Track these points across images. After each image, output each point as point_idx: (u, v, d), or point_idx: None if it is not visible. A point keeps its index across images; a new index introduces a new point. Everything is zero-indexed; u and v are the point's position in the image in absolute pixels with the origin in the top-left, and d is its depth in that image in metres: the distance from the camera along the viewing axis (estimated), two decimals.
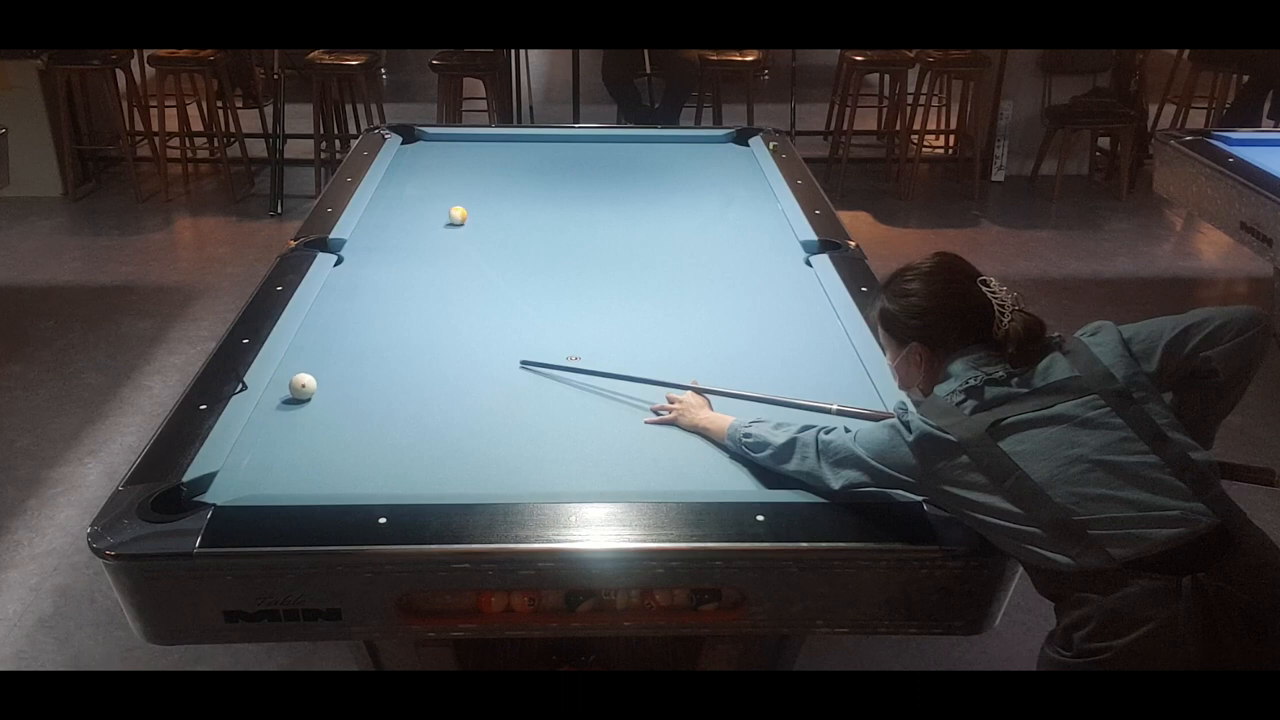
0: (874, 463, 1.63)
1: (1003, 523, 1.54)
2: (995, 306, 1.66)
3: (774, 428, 1.81)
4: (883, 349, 1.87)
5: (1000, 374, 1.61)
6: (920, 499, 1.68)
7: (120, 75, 5.75)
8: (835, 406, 1.97)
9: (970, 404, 1.60)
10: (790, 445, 1.74)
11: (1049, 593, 1.59)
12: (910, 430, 1.60)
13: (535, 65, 6.60)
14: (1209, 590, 1.46)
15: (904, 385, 1.82)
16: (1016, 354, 1.63)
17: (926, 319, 1.70)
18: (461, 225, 3.02)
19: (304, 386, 2.03)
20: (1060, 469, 1.52)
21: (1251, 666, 1.48)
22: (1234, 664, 1.48)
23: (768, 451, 1.77)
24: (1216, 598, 1.46)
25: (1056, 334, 1.68)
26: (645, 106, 6.11)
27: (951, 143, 6.66)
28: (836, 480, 1.68)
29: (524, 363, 2.19)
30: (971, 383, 1.61)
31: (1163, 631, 1.47)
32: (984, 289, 1.68)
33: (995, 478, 1.54)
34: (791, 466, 1.73)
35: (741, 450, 1.83)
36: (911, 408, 1.68)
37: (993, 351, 1.65)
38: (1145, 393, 1.59)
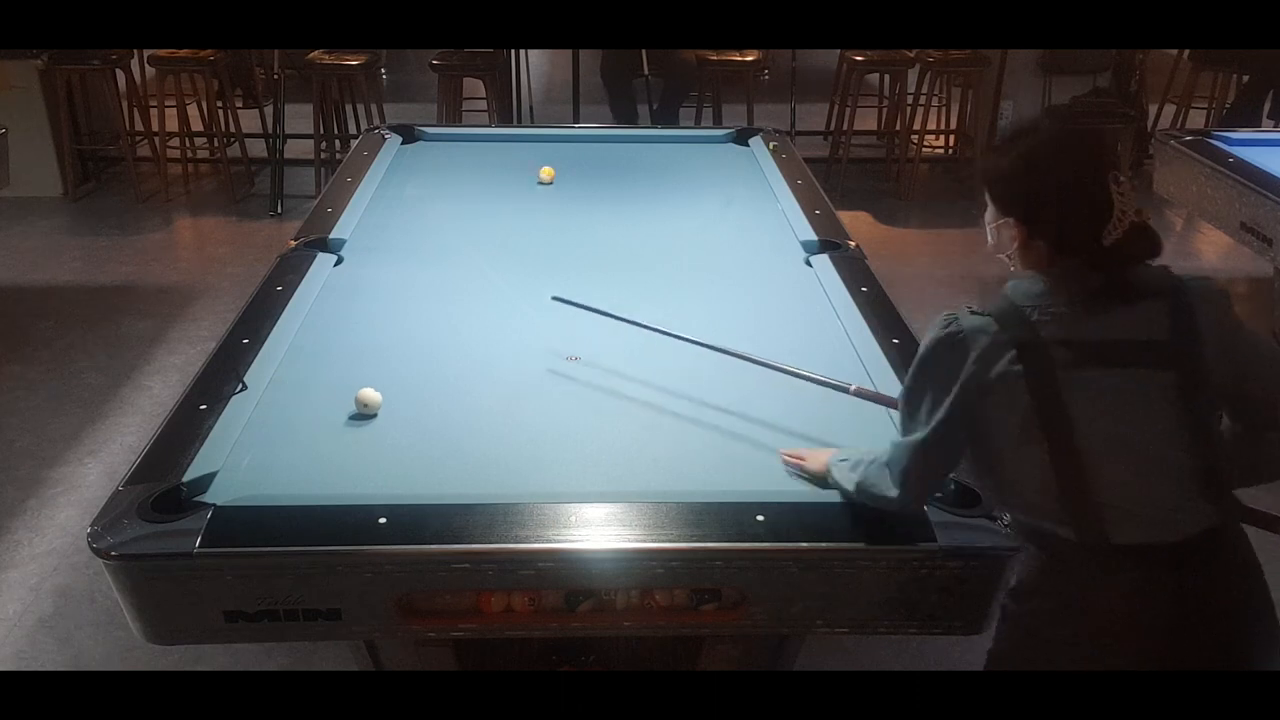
0: (910, 387, 1.53)
1: (1021, 480, 1.52)
2: (1115, 211, 1.44)
3: (851, 468, 1.64)
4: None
5: (1098, 306, 1.45)
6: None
7: (120, 75, 5.74)
8: (854, 387, 1.96)
9: (1050, 314, 1.45)
10: (859, 488, 1.61)
11: (1027, 538, 1.56)
12: (960, 325, 1.46)
13: (535, 65, 6.59)
14: (1189, 588, 1.46)
15: (995, 251, 1.60)
16: (1120, 273, 1.46)
17: (1030, 198, 1.50)
18: (550, 184, 3.37)
19: (369, 403, 1.98)
20: (1105, 444, 1.46)
21: (1215, 666, 1.49)
22: (1200, 662, 1.48)
23: (848, 497, 1.66)
24: (1195, 598, 1.46)
25: (1175, 275, 1.50)
26: (635, 109, 6.12)
27: (951, 143, 6.66)
28: (894, 486, 1.54)
29: (555, 297, 2.32)
30: (1058, 308, 1.46)
31: (1133, 620, 1.47)
32: (1112, 186, 1.45)
33: (1038, 408, 1.44)
34: (869, 503, 1.62)
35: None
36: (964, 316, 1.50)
37: (1094, 262, 1.46)
38: (1208, 390, 1.49)
